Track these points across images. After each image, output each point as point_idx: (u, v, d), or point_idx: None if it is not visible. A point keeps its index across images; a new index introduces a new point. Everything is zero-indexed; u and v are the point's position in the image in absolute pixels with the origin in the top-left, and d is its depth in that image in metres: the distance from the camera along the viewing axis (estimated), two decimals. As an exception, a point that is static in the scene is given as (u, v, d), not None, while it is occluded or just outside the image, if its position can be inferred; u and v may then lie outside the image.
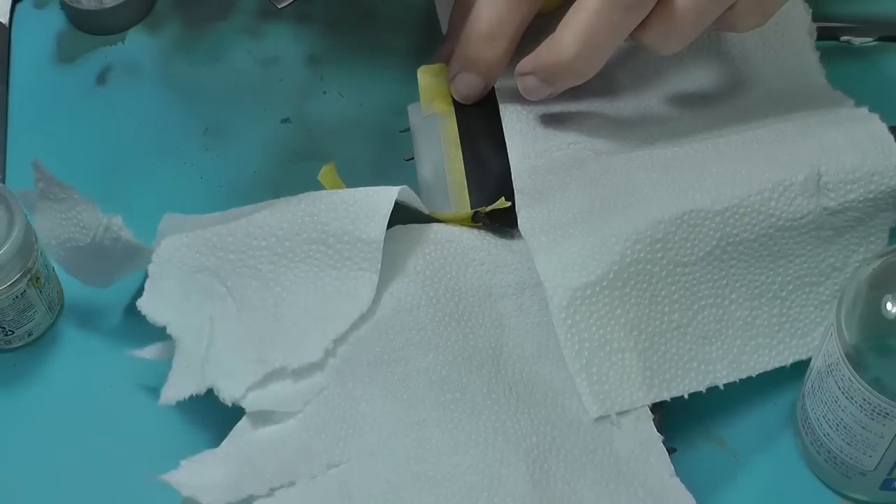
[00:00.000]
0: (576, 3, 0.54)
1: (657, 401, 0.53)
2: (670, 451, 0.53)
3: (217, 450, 0.52)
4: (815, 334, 0.56)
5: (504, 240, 0.57)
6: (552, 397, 0.52)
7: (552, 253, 0.53)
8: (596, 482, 0.50)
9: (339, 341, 0.53)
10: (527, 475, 0.49)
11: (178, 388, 0.53)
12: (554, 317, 0.53)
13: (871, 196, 0.55)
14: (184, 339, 0.54)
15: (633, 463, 0.51)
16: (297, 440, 0.52)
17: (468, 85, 0.59)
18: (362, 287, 0.53)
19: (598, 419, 0.52)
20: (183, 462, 0.52)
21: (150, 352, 0.57)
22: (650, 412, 0.53)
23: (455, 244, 0.56)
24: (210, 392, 0.53)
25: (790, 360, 0.55)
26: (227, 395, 0.52)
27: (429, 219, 0.57)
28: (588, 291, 0.53)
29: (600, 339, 0.53)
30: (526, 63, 0.57)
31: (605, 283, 0.53)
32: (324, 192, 0.55)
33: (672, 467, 0.51)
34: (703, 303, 0.54)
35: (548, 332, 0.54)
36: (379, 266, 0.53)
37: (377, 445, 0.50)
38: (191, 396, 0.53)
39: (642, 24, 0.54)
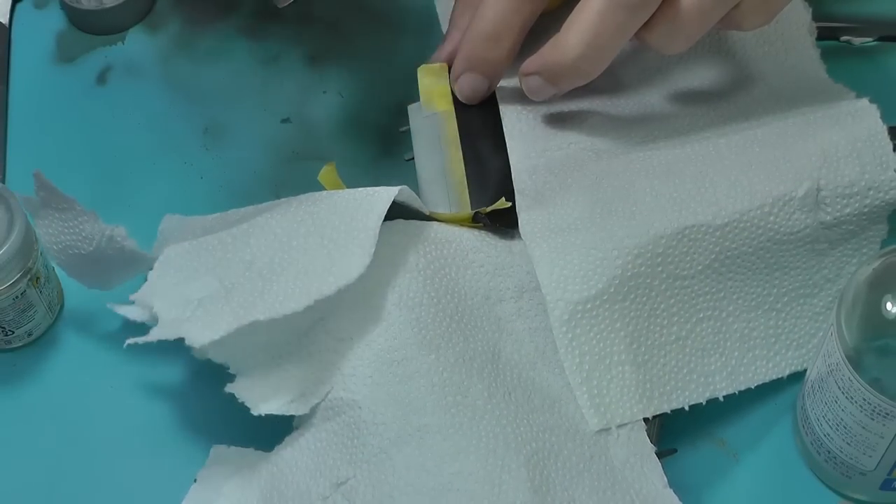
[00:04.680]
0: (580, 3, 0.54)
1: (657, 413, 0.53)
2: (671, 451, 0.53)
3: (250, 479, 0.53)
4: (810, 346, 0.56)
5: (504, 241, 0.57)
6: (549, 404, 0.52)
7: (554, 265, 0.53)
8: (593, 490, 0.50)
9: (341, 339, 0.53)
10: (527, 482, 0.49)
11: (150, 335, 0.52)
12: (555, 330, 0.53)
13: (865, 210, 0.55)
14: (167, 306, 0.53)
15: (628, 472, 0.51)
16: (309, 461, 0.52)
17: (472, 85, 0.59)
18: (355, 259, 0.52)
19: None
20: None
21: (131, 311, 0.55)
22: (643, 422, 0.53)
23: (455, 245, 0.56)
24: (214, 395, 0.53)
25: (787, 372, 0.56)
26: (194, 338, 0.50)
27: (429, 219, 0.57)
28: (588, 305, 0.53)
29: (600, 352, 0.53)
30: (530, 63, 0.57)
31: (605, 297, 0.53)
32: (323, 192, 0.55)
33: (665, 478, 0.51)
34: (702, 315, 0.55)
35: (545, 338, 0.54)
36: (373, 248, 0.52)
37: (379, 457, 0.50)
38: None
39: (647, 24, 0.54)
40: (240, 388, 0.52)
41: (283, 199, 0.56)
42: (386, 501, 0.49)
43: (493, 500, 0.49)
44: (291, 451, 0.52)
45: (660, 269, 0.54)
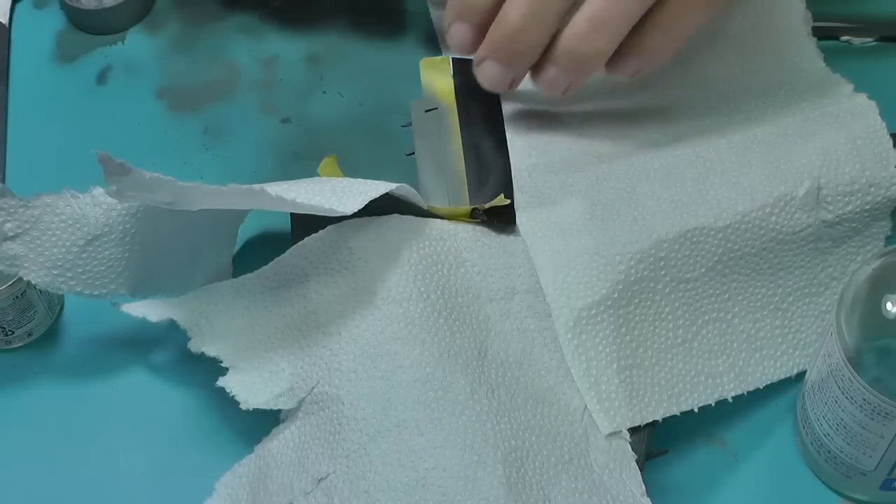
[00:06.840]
0: None
1: (667, 416, 0.53)
2: (662, 451, 0.53)
3: (239, 473, 0.53)
4: (817, 344, 0.56)
5: (500, 240, 0.56)
6: (532, 404, 0.52)
7: (557, 271, 0.54)
8: (570, 492, 0.50)
9: (329, 334, 0.53)
10: (503, 478, 0.49)
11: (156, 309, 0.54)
12: (560, 337, 0.53)
13: (867, 207, 0.56)
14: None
15: (607, 478, 0.51)
16: (293, 455, 0.52)
17: (494, 74, 0.56)
18: (350, 202, 0.53)
19: (574, 431, 0.52)
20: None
21: (138, 308, 0.55)
22: (626, 430, 0.53)
23: (449, 243, 0.56)
24: (213, 395, 0.54)
25: (794, 371, 0.56)
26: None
27: (427, 214, 0.57)
28: (593, 311, 0.53)
29: (607, 357, 0.53)
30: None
31: (609, 303, 0.53)
32: (317, 178, 0.55)
33: (643, 487, 0.51)
34: (707, 317, 0.55)
35: (532, 340, 0.54)
36: (366, 200, 0.53)
37: (357, 452, 0.51)
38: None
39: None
40: (231, 383, 0.53)
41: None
42: (362, 497, 0.50)
43: (467, 496, 0.49)
44: (277, 445, 0.53)
45: (663, 272, 0.54)
